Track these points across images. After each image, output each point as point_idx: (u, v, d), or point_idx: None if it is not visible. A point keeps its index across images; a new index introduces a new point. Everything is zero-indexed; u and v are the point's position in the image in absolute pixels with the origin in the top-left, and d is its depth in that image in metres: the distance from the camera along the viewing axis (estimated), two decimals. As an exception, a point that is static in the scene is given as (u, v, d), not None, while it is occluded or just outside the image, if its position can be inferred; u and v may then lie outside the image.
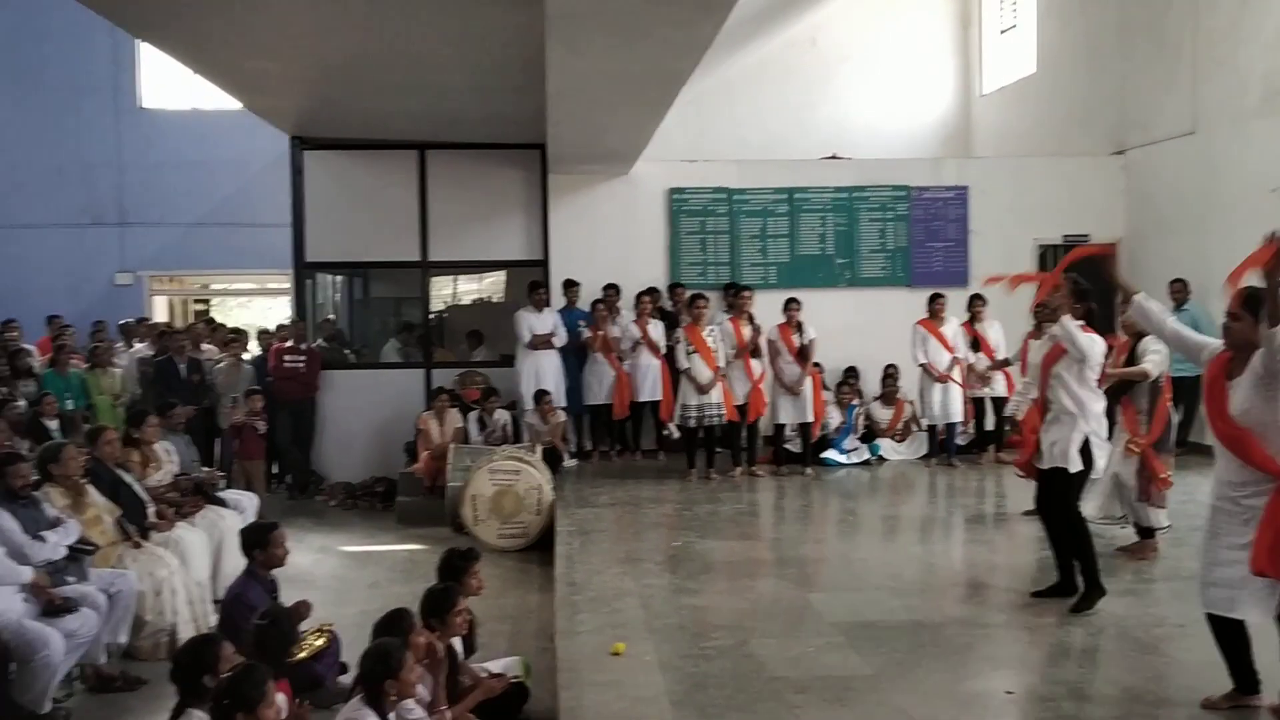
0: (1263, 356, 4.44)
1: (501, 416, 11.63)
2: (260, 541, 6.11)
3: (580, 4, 5.86)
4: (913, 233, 12.98)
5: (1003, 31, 16.74)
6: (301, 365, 12.29)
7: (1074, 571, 6.45)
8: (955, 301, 11.72)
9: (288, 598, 6.05)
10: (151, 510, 7.61)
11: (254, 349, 13.37)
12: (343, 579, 9.09)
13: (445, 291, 14.72)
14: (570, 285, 12.35)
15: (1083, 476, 6.37)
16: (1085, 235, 12.84)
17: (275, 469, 12.45)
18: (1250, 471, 4.52)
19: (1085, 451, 6.32)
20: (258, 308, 21.27)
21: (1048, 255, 12.79)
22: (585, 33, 6.44)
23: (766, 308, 11.43)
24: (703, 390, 10.66)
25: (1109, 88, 13.52)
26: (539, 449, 10.92)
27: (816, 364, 11.47)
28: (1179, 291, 11.20)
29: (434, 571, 5.83)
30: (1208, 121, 11.63)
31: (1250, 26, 10.92)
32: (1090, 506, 7.33)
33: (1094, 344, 6.28)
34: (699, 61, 7.35)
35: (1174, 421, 7.69)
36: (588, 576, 7.35)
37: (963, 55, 17.72)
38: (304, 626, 5.72)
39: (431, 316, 13.77)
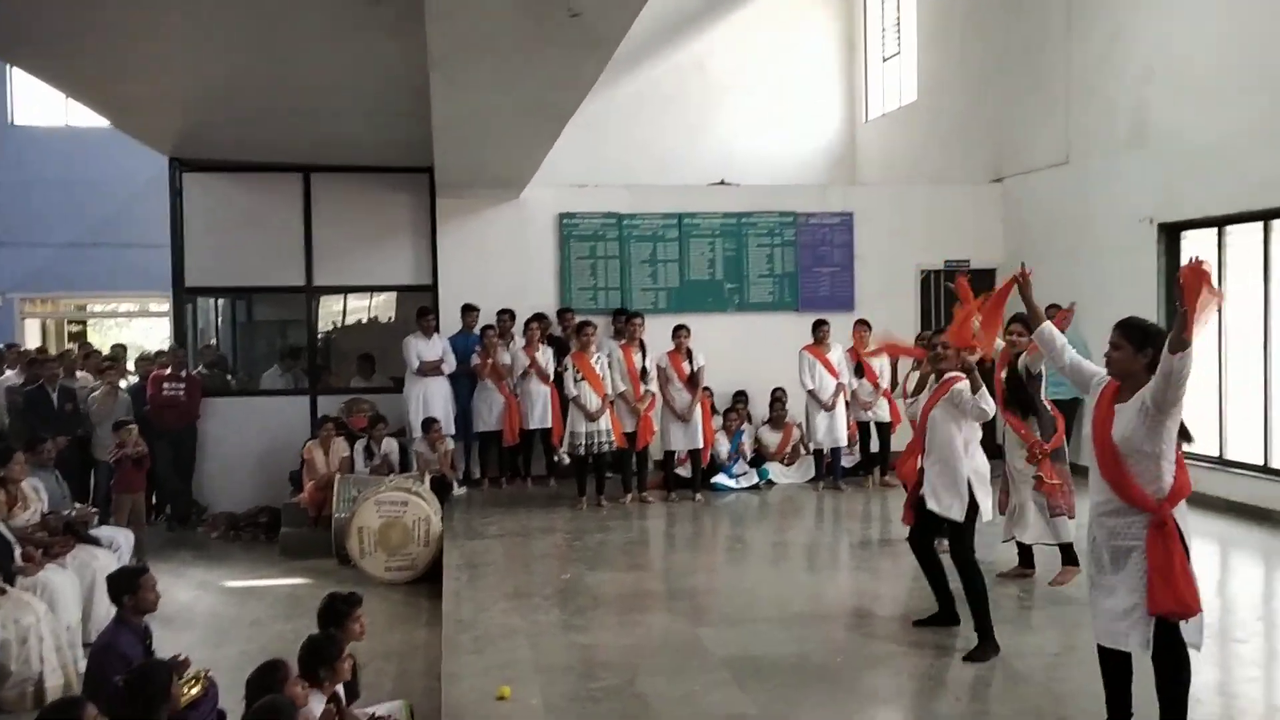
0: (1152, 389, 4.43)
1: (389, 445, 11.46)
2: (129, 587, 5.89)
3: (462, 41, 5.81)
4: (800, 258, 13.17)
5: (886, 59, 17.13)
6: (181, 393, 11.97)
7: (954, 601, 6.57)
8: (842, 326, 11.91)
9: (165, 639, 5.87)
10: (18, 552, 7.31)
11: (132, 375, 12.97)
12: (222, 617, 8.85)
13: (335, 309, 14.48)
14: (469, 310, 12.22)
15: (971, 521, 6.36)
16: (965, 260, 13.18)
17: (154, 499, 12.07)
18: (1124, 503, 4.56)
19: (969, 493, 6.35)
20: (138, 329, 20.66)
21: (929, 280, 13.09)
22: (469, 68, 6.40)
23: (657, 332, 11.48)
24: (591, 417, 10.64)
25: (987, 117, 13.91)
26: (427, 478, 10.79)
27: (707, 388, 11.56)
28: (1054, 317, 11.52)
29: (316, 611, 5.70)
30: (1080, 152, 12.04)
31: (1119, 61, 11.34)
32: (1029, 535, 7.53)
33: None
34: (585, 95, 7.35)
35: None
36: (475, 613, 7.26)
37: (848, 82, 18.09)
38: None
39: (320, 338, 13.53)
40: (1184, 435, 4.60)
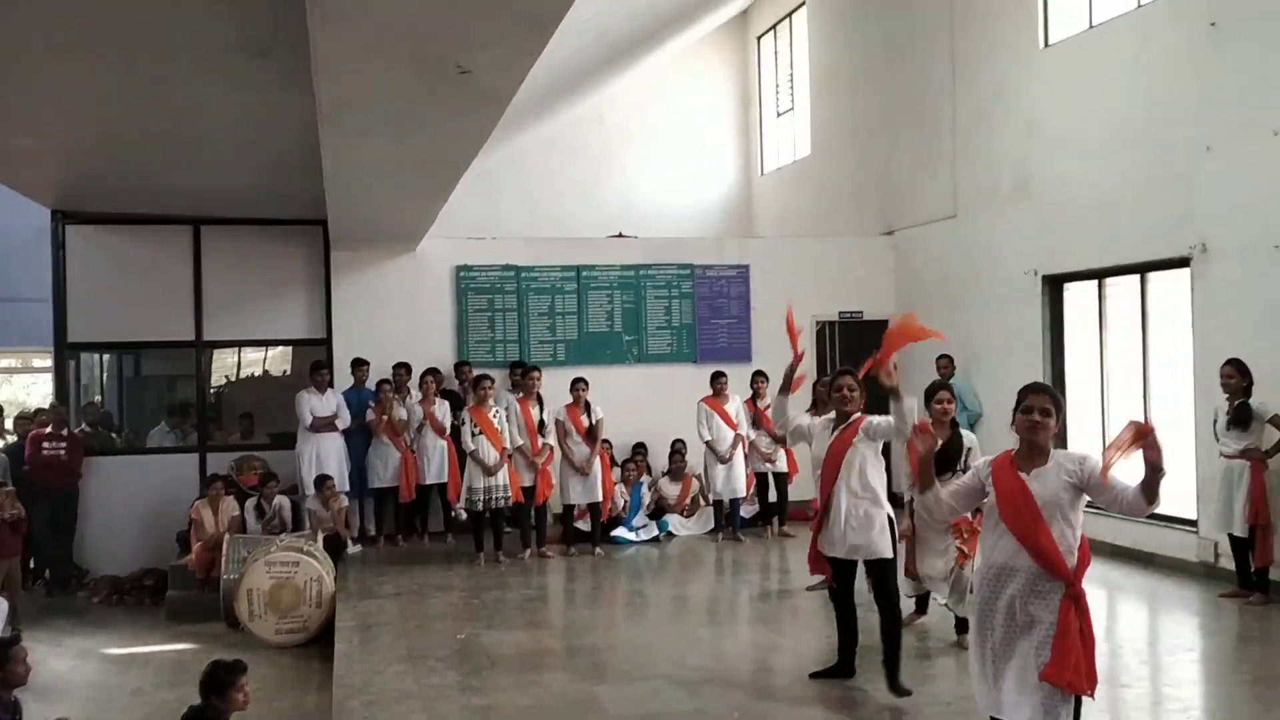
0: (1069, 471, 4.39)
1: (281, 503, 11.19)
2: (-3, 660, 5.63)
3: (351, 96, 5.76)
4: (698, 310, 13.27)
5: (780, 114, 17.47)
6: (61, 452, 11.57)
7: (854, 656, 6.60)
8: (740, 377, 12.00)
9: (39, 712, 5.61)
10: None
11: (10, 434, 12.49)
12: (103, 686, 8.51)
13: (229, 363, 14.15)
14: (359, 364, 12.06)
15: (895, 555, 6.44)
16: (859, 312, 13.41)
17: (32, 564, 11.60)
18: (1040, 570, 4.37)
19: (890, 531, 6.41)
20: (19, 385, 19.95)
21: (824, 331, 13.29)
22: (358, 122, 6.35)
23: (556, 385, 11.44)
24: (489, 472, 10.54)
25: (878, 171, 14.24)
26: (321, 536, 10.55)
27: (606, 441, 11.54)
28: (945, 366, 11.78)
29: (199, 680, 5.49)
30: (966, 206, 12.37)
31: (1001, 118, 11.71)
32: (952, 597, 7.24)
33: None
34: (479, 150, 7.34)
35: None
36: (367, 677, 7.08)
37: (743, 136, 18.42)
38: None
39: (212, 393, 13.20)
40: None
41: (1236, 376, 8.37)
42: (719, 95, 18.36)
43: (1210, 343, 9.08)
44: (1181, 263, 9.45)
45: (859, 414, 6.44)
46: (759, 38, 18.12)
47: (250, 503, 11.14)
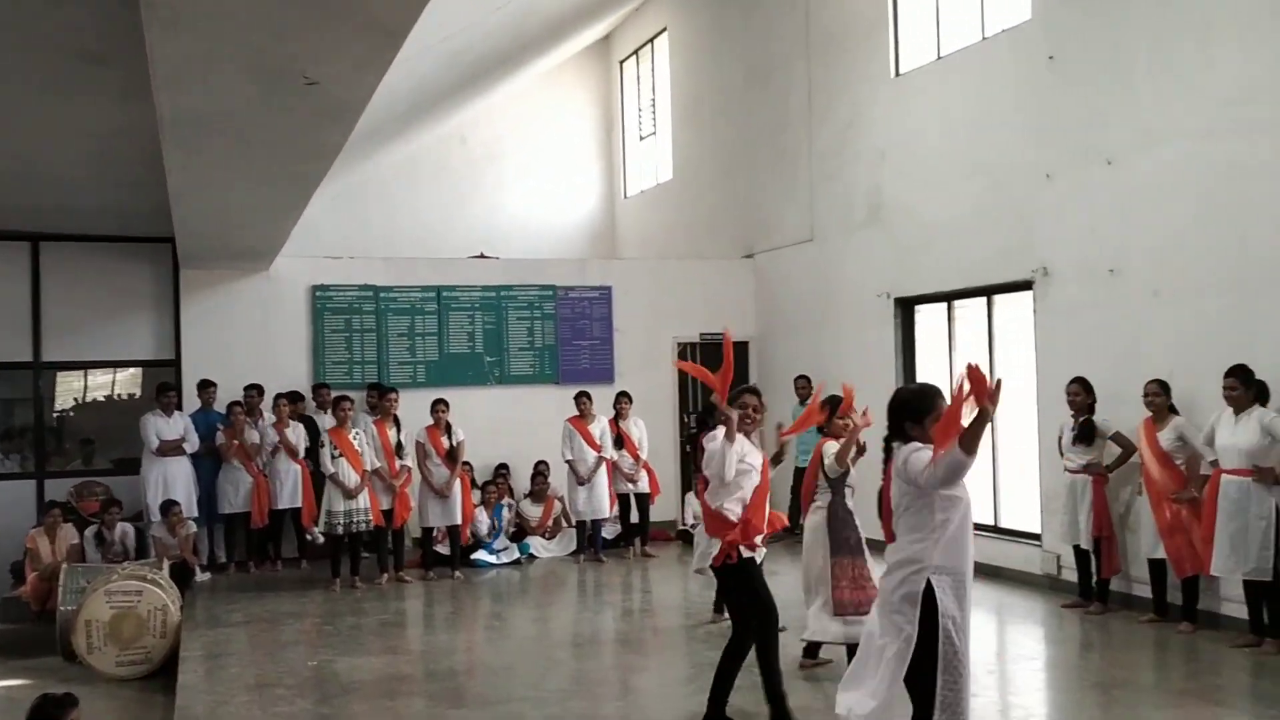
0: (899, 468, 4.55)
1: (123, 530, 10.74)
2: None
3: (193, 107, 5.58)
4: (560, 331, 13.24)
5: (643, 138, 17.61)
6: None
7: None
8: (603, 398, 12.01)
9: None
10: None
11: None
12: (-76, 728, 8.00)
13: (76, 386, 13.53)
14: (206, 386, 11.68)
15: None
16: (720, 334, 13.52)
17: None
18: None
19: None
20: None
21: (686, 353, 13.41)
22: (203, 135, 6.15)
23: (417, 407, 11.28)
24: (350, 495, 10.31)
25: (738, 195, 14.46)
26: (167, 564, 10.13)
27: (467, 463, 11.41)
28: (803, 387, 11.98)
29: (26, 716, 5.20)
30: (823, 230, 12.64)
31: (854, 147, 12.01)
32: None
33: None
34: (330, 164, 7.19)
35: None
36: (212, 707, 6.83)
37: (607, 159, 18.51)
38: None
39: (55, 416, 12.62)
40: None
41: (1082, 394, 8.69)
42: (583, 118, 18.42)
43: (1051, 362, 9.44)
44: (1024, 285, 9.80)
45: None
46: (621, 62, 18.26)
47: (90, 531, 10.67)
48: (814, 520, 7.14)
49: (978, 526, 10.42)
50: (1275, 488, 7.34)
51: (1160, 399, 8.16)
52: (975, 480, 10.42)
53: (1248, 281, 7.79)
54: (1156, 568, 8.33)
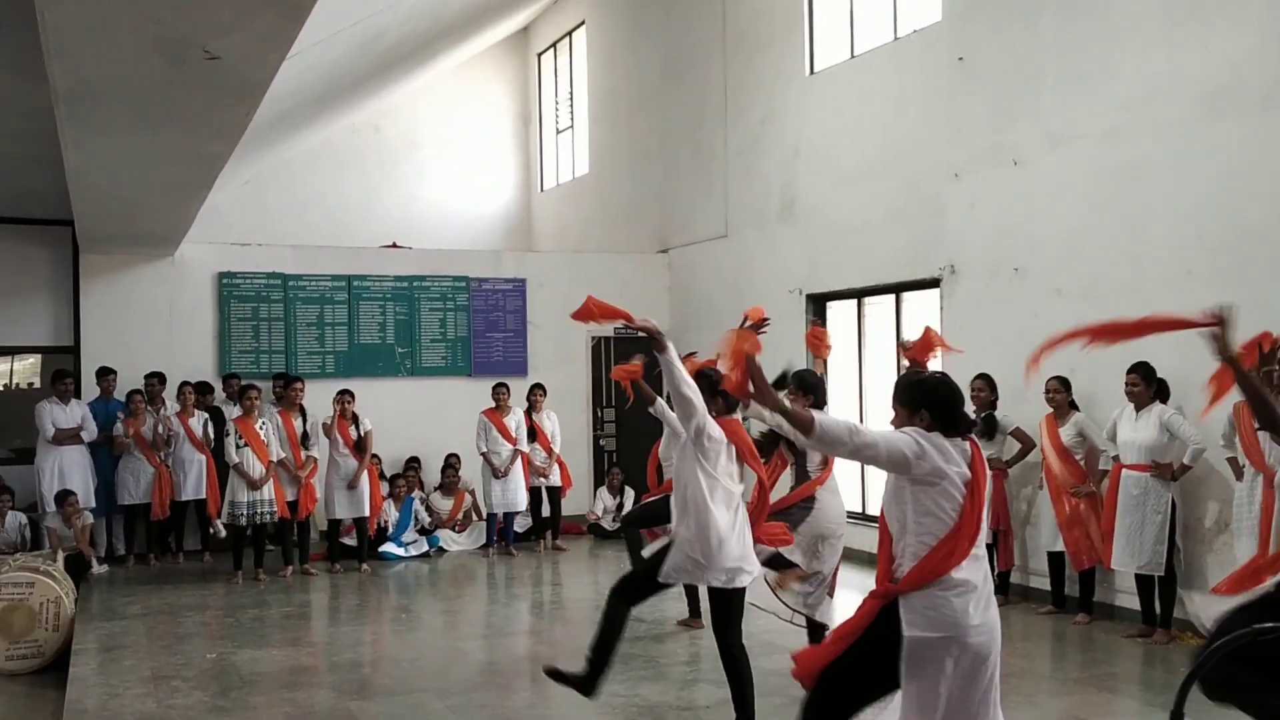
0: None
1: (16, 520, 10.40)
2: None
3: (89, 81, 5.40)
4: (473, 323, 13.12)
5: (560, 131, 17.55)
6: None
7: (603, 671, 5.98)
8: (517, 391, 11.93)
9: None
10: None
11: None
12: None
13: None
14: (105, 373, 11.36)
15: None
16: (634, 329, 13.51)
17: None
18: None
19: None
20: None
21: (600, 347, 13.38)
22: (100, 110, 5.96)
23: (325, 397, 11.10)
24: (254, 485, 10.12)
25: (654, 190, 14.47)
26: (61, 556, 9.84)
27: (375, 456, 11.27)
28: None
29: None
30: (737, 225, 12.70)
31: (769, 142, 12.09)
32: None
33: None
34: (235, 145, 7.03)
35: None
36: (103, 700, 6.64)
37: (524, 153, 18.42)
38: None
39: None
40: None
41: (986, 390, 8.84)
42: (499, 110, 18.30)
43: (958, 358, 9.56)
44: (932, 283, 9.96)
45: None
46: (539, 55, 18.17)
47: (-21, 522, 10.31)
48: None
49: (868, 517, 10.64)
50: (1173, 484, 7.56)
51: (1061, 395, 8.33)
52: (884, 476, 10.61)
53: (1146, 280, 7.99)
54: (1055, 560, 8.52)
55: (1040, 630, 8.16)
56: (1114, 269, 8.23)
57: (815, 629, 6.76)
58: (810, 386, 6.50)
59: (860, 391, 11.09)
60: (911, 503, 3.91)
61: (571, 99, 17.09)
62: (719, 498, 5.50)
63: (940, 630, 3.79)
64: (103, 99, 5.74)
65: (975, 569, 3.89)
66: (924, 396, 4.00)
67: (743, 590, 5.57)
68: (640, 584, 5.83)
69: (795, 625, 6.89)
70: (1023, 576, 8.99)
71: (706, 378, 5.79)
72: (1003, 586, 8.86)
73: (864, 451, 3.89)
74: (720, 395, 5.73)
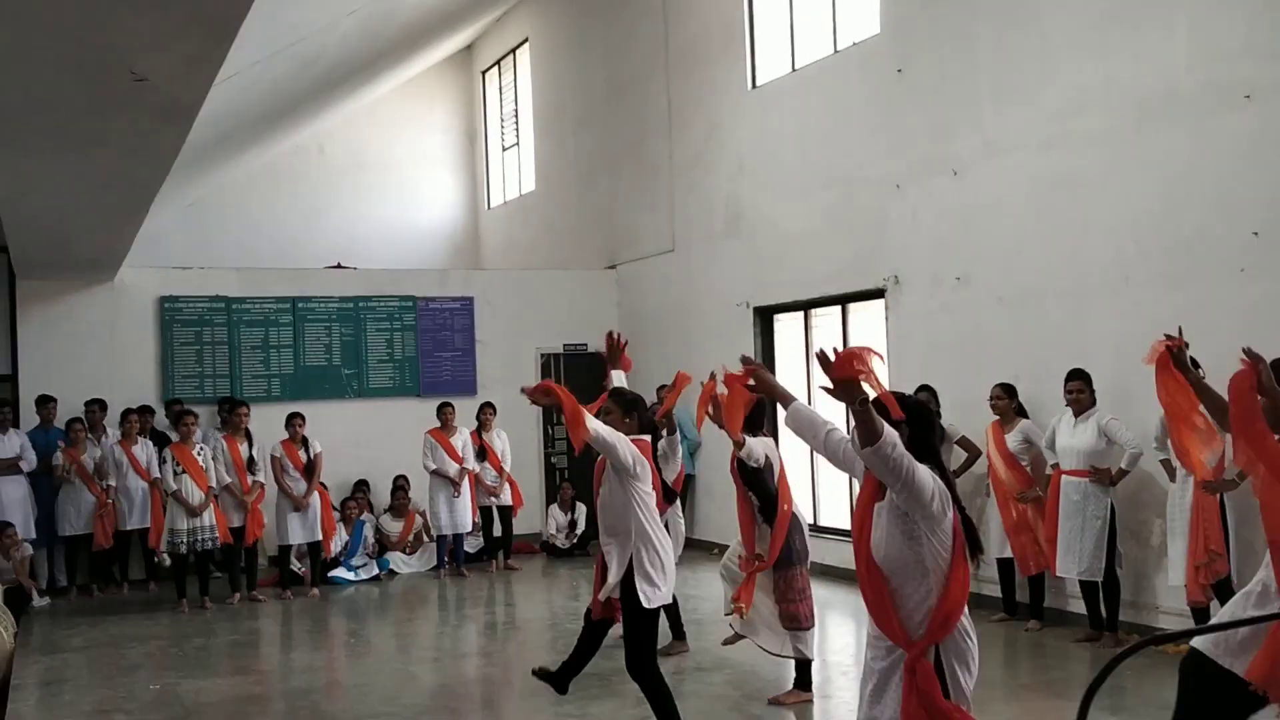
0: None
1: (-47, 555, 10.17)
2: None
3: (13, 103, 5.29)
4: (420, 343, 13.02)
5: (505, 149, 17.51)
6: None
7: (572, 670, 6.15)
8: (466, 410, 11.85)
9: None
10: None
11: None
12: None
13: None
14: (45, 401, 11.15)
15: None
16: (584, 344, 13.52)
17: None
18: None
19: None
20: None
21: (549, 363, 13.33)
22: (26, 134, 5.84)
23: (272, 421, 10.97)
24: (193, 512, 9.96)
25: (600, 206, 14.47)
26: (0, 589, 9.62)
27: (323, 484, 11.13)
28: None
29: None
30: (684, 240, 12.72)
31: (714, 156, 12.12)
32: (764, 640, 6.61)
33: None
34: (168, 169, 6.92)
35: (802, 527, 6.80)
36: (43, 737, 6.49)
37: (470, 170, 18.37)
38: None
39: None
40: (973, 547, 3.87)
41: (930, 399, 8.88)
42: (444, 128, 18.24)
43: (904, 369, 9.64)
44: (877, 294, 10.01)
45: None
46: (484, 73, 18.14)
47: (-85, 556, 10.06)
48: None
49: (836, 531, 10.66)
50: (1111, 489, 7.63)
51: (1004, 402, 8.40)
52: (836, 488, 10.59)
53: (1083, 287, 8.08)
54: (1005, 567, 8.57)
55: (992, 638, 8.17)
56: (1054, 276, 8.31)
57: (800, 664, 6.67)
58: (629, 404, 5.88)
59: (809, 403, 11.08)
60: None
61: (517, 116, 17.07)
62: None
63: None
64: (25, 122, 5.62)
65: None
66: (910, 414, 3.86)
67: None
68: None
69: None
70: (975, 584, 8.99)
71: (620, 394, 5.85)
72: (955, 594, 8.89)
73: (910, 472, 3.66)
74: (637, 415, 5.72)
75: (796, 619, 6.50)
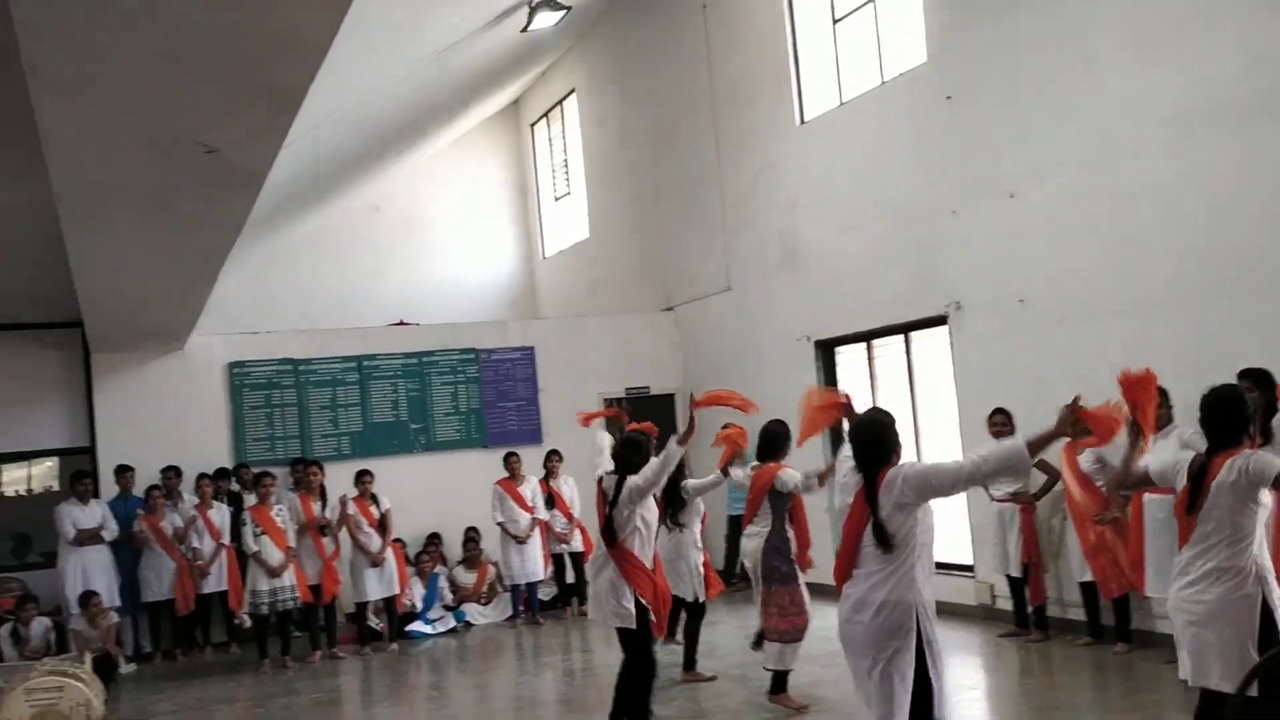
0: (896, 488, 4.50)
1: (41, 625, 10.37)
2: None
3: (90, 181, 5.48)
4: (484, 394, 13.13)
5: (557, 199, 17.70)
6: None
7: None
8: (533, 459, 11.93)
9: None
10: None
11: None
12: None
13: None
14: (123, 471, 11.39)
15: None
16: (645, 387, 13.58)
17: None
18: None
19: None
20: None
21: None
22: (101, 211, 6.04)
23: (342, 479, 11.11)
24: (274, 573, 10.09)
25: (655, 248, 14.56)
26: (89, 657, 9.79)
27: (398, 539, 11.24)
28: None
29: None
30: (740, 278, 12.75)
31: (765, 194, 12.17)
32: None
33: None
34: (237, 236, 7.10)
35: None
36: (139, 802, 6.58)
37: (523, 222, 18.59)
38: None
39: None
40: None
41: (1003, 423, 8.79)
42: (496, 182, 18.50)
43: (970, 393, 9.57)
44: (940, 321, 9.96)
45: None
46: (532, 125, 18.39)
47: (5, 628, 10.28)
48: (751, 545, 7.32)
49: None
50: (1199, 504, 7.46)
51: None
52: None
53: (1144, 302, 7.98)
54: (1088, 590, 8.42)
55: (1080, 662, 8.04)
56: (1112, 294, 8.23)
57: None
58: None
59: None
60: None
61: (567, 165, 17.26)
62: None
63: None
64: (103, 199, 5.82)
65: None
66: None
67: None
68: None
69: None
70: (1060, 609, 8.88)
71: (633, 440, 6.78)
72: (1040, 621, 8.76)
73: None
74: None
75: (773, 633, 7.14)
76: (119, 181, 5.53)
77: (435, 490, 12.40)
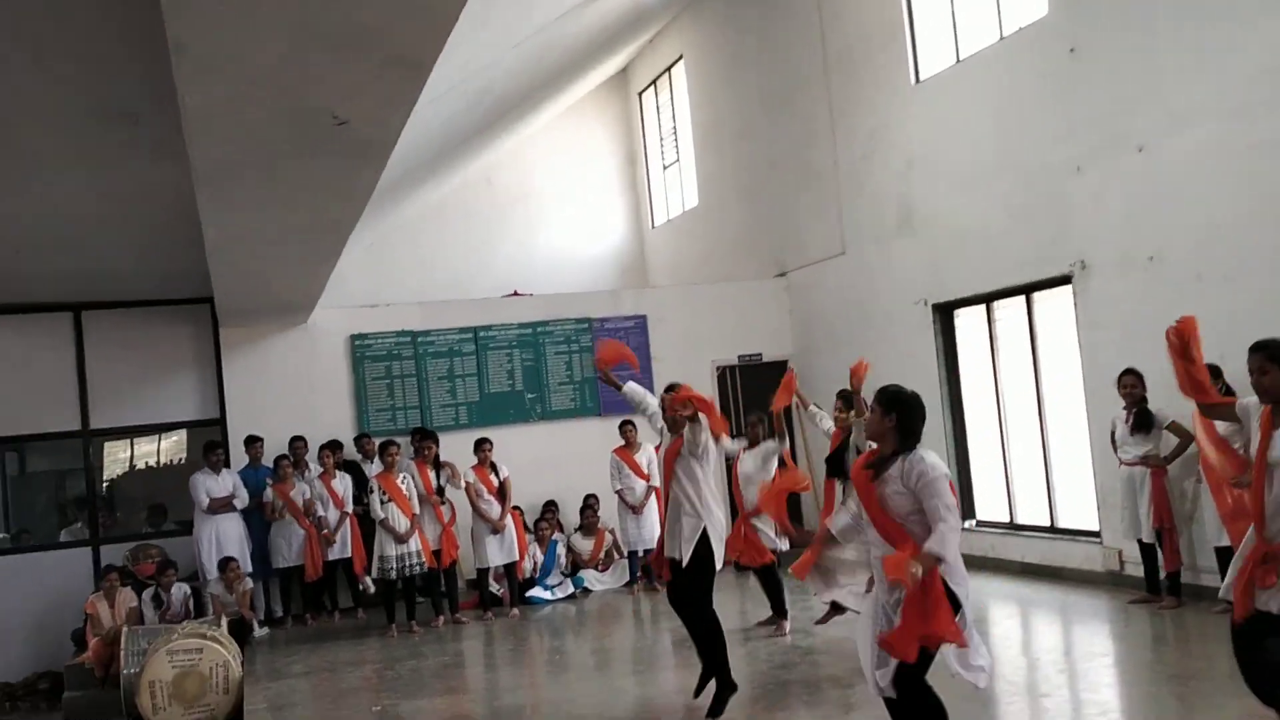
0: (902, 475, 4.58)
1: (180, 590, 10.77)
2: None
3: (226, 156, 5.63)
4: (598, 363, 13.18)
5: (666, 167, 17.67)
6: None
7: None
8: (645, 427, 11.94)
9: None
10: None
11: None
12: (-2, 798, 8.04)
13: (123, 455, 13.63)
14: (253, 441, 11.75)
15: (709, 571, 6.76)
16: (758, 354, 13.52)
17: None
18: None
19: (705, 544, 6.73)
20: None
21: (725, 376, 13.36)
22: (237, 186, 6.21)
23: (461, 448, 11.30)
24: (401, 539, 10.33)
25: (766, 215, 14.44)
26: (225, 621, 10.15)
27: (517, 507, 11.40)
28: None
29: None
30: (855, 242, 12.58)
31: (882, 154, 11.97)
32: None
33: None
34: (363, 209, 7.24)
35: None
36: (280, 758, 6.81)
37: (632, 191, 18.59)
38: None
39: (106, 485, 12.71)
40: None
41: (1136, 384, 8.55)
42: (605, 151, 18.53)
43: (1096, 356, 9.33)
44: (1063, 281, 9.71)
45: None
46: (640, 94, 18.36)
47: (148, 593, 10.70)
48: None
49: (1033, 528, 10.41)
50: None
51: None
52: (1030, 482, 10.35)
53: (1291, 258, 7.67)
54: (1224, 556, 8.15)
55: (1216, 630, 7.77)
56: (1257, 249, 7.91)
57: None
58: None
59: (998, 398, 10.82)
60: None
61: (675, 133, 17.21)
62: None
63: None
64: (238, 174, 5.97)
65: None
66: (898, 405, 4.69)
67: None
68: None
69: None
70: (1193, 575, 8.62)
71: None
72: (1173, 587, 8.52)
73: None
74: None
75: None
76: (254, 155, 5.68)
77: (551, 459, 12.54)
